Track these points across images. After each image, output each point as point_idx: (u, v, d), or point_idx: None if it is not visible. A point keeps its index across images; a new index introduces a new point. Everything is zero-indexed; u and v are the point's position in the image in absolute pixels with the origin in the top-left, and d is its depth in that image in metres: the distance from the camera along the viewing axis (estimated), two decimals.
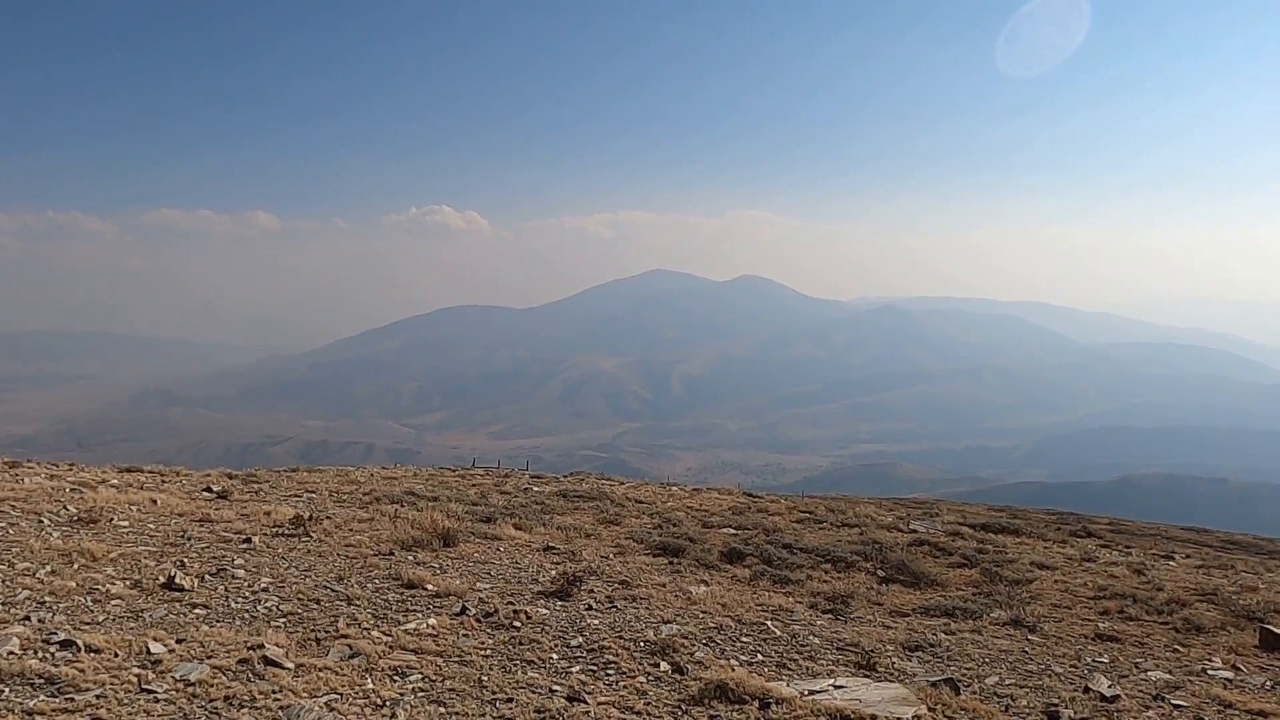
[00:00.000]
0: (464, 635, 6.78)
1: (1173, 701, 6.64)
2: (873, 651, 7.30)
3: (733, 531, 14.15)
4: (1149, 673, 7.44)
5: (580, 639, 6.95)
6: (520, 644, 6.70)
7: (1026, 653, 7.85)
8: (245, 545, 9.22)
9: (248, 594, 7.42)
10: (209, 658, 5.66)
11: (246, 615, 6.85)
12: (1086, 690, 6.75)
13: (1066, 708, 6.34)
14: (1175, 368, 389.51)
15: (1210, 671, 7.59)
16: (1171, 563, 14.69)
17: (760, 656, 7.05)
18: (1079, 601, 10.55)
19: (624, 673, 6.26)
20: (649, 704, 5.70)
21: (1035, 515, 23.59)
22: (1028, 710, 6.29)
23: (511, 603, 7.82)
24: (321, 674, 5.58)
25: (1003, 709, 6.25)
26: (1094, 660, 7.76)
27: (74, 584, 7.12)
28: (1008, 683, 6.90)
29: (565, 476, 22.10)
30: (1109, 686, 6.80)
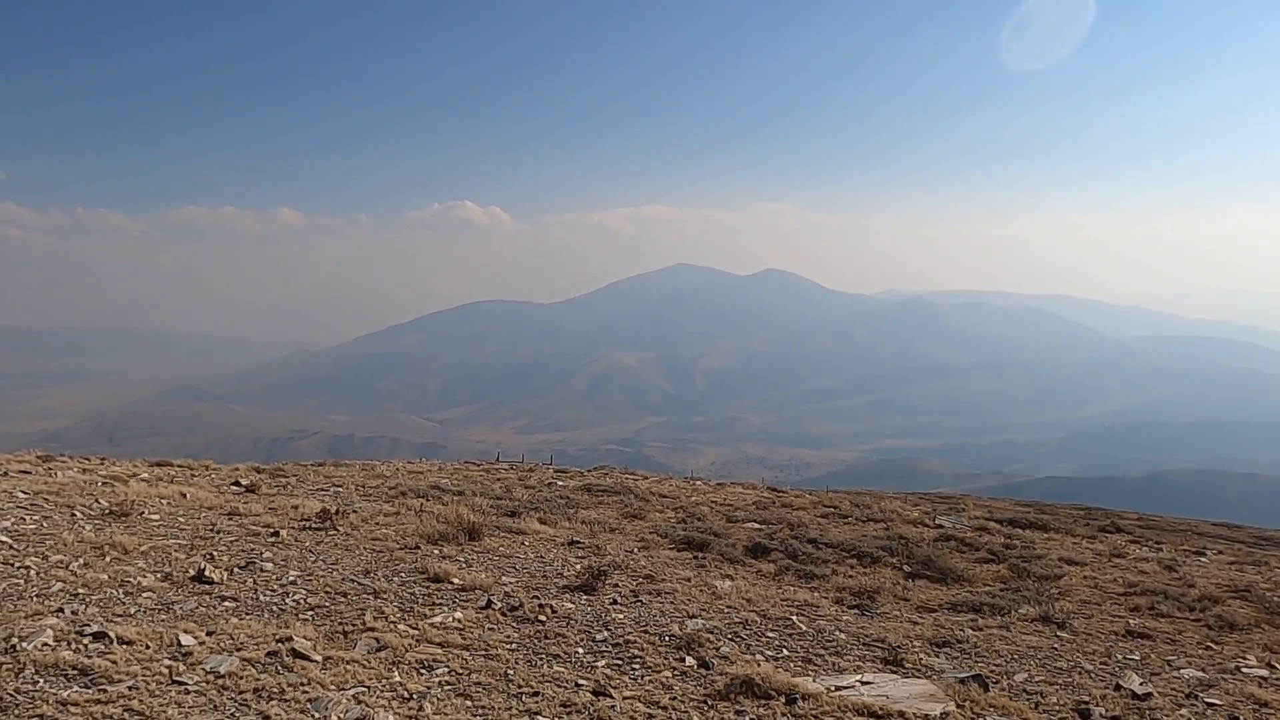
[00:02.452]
0: (490, 629, 6.80)
1: (1206, 700, 6.54)
2: (900, 647, 7.25)
3: (757, 526, 14.11)
4: (1181, 670, 7.34)
5: (606, 633, 6.95)
6: (546, 638, 6.71)
7: (1056, 649, 7.77)
8: (273, 539, 9.29)
9: (276, 587, 7.48)
10: (238, 650, 5.71)
11: (275, 608, 6.91)
12: (1118, 688, 6.67)
13: (1098, 705, 6.26)
14: (1204, 361, 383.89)
15: (1244, 670, 7.48)
16: (1203, 559, 14.49)
17: (786, 652, 7.02)
18: (1109, 598, 10.43)
19: (649, 667, 6.25)
20: (675, 698, 5.69)
21: (1063, 510, 23.33)
22: (1058, 707, 6.23)
23: (537, 597, 7.84)
24: (349, 667, 5.61)
25: (1032, 706, 6.18)
26: (1125, 657, 7.67)
27: (106, 576, 7.20)
28: (1037, 680, 6.83)
29: (589, 471, 22.12)
30: (1141, 684, 6.71)
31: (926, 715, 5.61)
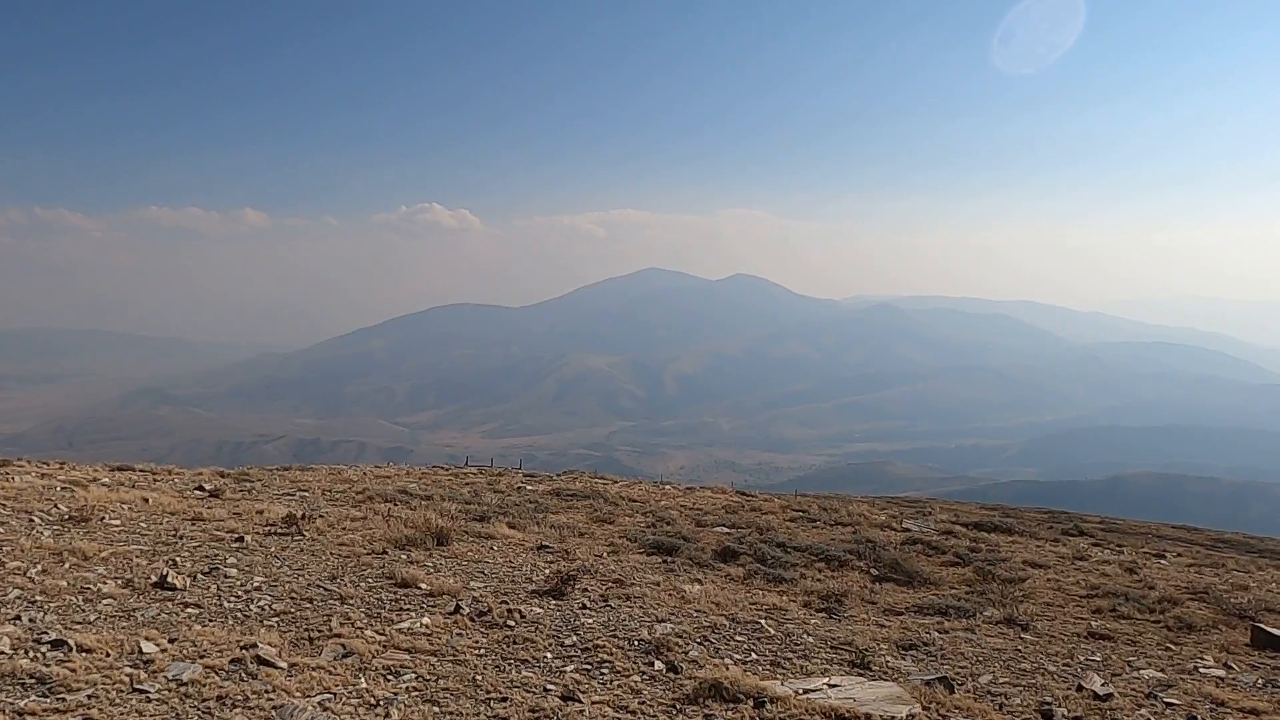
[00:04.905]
0: (458, 634, 6.76)
1: (1165, 700, 6.66)
2: (867, 650, 7.31)
3: (726, 530, 14.15)
4: (1141, 671, 7.47)
5: (574, 638, 6.94)
6: (514, 643, 6.69)
7: (1020, 651, 7.87)
8: (238, 544, 9.18)
9: (240, 593, 7.39)
10: (201, 657, 5.63)
11: (239, 614, 6.83)
12: (1080, 689, 6.77)
13: (1060, 706, 6.35)
14: (1166, 366, 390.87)
15: (1202, 670, 7.62)
16: (1163, 561, 14.74)
17: (754, 655, 7.05)
18: (1071, 600, 10.58)
19: (618, 672, 6.25)
20: (644, 703, 5.70)
21: (1027, 514, 23.66)
22: (1021, 709, 6.31)
23: (505, 602, 7.81)
24: (315, 673, 5.56)
25: (997, 707, 6.26)
26: (1087, 659, 7.78)
27: (65, 583, 7.08)
28: (1001, 681, 6.92)
29: (559, 475, 22.07)
30: (1102, 685, 6.82)
31: (893, 717, 5.67)
